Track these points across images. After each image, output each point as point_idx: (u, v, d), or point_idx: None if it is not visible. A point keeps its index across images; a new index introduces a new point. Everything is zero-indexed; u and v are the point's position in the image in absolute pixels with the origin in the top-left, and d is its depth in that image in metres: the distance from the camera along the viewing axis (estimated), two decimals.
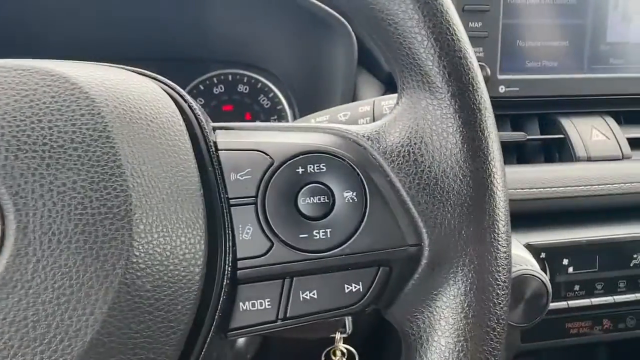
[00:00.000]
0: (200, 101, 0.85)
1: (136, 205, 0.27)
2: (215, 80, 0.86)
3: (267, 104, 0.87)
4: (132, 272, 0.26)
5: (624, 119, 0.82)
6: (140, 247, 0.26)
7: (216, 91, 0.86)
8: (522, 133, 0.73)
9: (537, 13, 0.73)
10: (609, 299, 0.68)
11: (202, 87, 0.85)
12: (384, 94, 0.77)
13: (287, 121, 0.86)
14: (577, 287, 0.67)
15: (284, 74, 0.86)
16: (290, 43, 0.82)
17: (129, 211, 0.26)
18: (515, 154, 0.76)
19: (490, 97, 0.70)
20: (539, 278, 0.55)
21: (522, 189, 0.67)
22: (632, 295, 0.68)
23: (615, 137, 0.75)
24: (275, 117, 0.87)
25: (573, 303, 0.67)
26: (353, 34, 0.74)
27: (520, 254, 0.59)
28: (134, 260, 0.26)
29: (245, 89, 0.86)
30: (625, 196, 0.70)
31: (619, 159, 0.74)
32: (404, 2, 0.32)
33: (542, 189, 0.67)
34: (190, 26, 0.80)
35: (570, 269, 0.67)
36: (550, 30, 0.74)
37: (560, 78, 0.74)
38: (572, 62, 0.75)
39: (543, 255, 0.65)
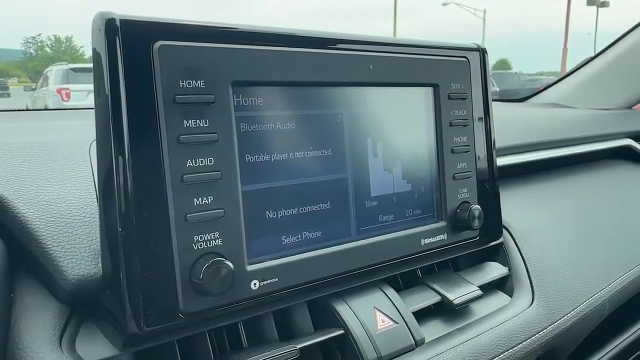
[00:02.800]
0: None
1: None
2: None
3: None
4: None
5: (402, 283, 0.66)
6: None
7: None
8: (293, 348, 0.50)
9: (286, 170, 0.53)
10: None
11: None
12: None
13: None
14: None
15: None
16: None
17: None
18: None
19: (241, 300, 0.45)
20: None
21: None
22: None
23: (403, 318, 0.58)
24: None
25: None
26: None
27: None
28: None
29: None
30: None
31: (412, 350, 0.57)
32: None
33: None
34: None
35: None
36: (306, 190, 0.54)
37: (328, 253, 0.55)
38: (338, 228, 0.57)
39: None
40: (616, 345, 0.92)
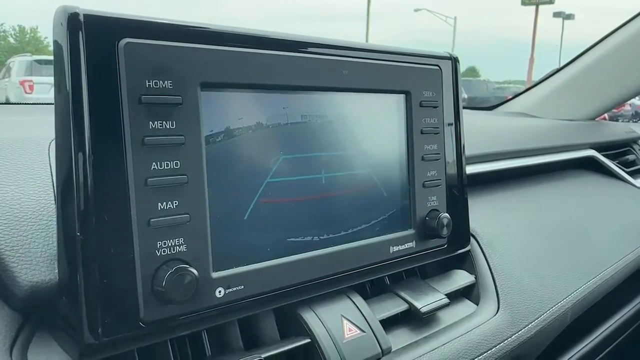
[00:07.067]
0: None
1: None
2: None
3: None
4: None
5: (370, 291, 0.66)
6: None
7: None
8: (257, 357, 0.49)
9: (254, 175, 0.52)
10: None
11: None
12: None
13: None
14: None
15: None
16: None
17: None
18: None
19: (205, 308, 0.44)
20: None
21: None
22: None
23: (370, 326, 0.58)
24: None
25: None
26: None
27: None
28: None
29: None
30: None
31: (379, 359, 0.57)
32: None
33: None
34: None
35: None
36: (274, 196, 0.53)
37: (295, 260, 0.54)
38: (306, 234, 0.56)
39: None
40: (577, 352, 0.94)
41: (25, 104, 1.37)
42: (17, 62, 9.86)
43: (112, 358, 0.44)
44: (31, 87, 8.83)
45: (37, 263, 0.44)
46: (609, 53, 1.42)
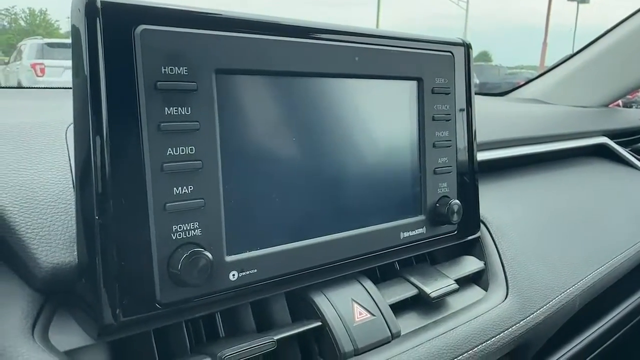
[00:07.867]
0: None
1: None
2: None
3: None
4: None
5: (380, 276, 0.67)
6: None
7: None
8: (270, 339, 0.50)
9: (267, 161, 0.52)
10: None
11: None
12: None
13: None
14: None
15: None
16: None
17: None
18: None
19: (219, 291, 0.45)
20: None
21: None
22: None
23: (380, 310, 0.59)
24: None
25: None
26: None
27: None
28: None
29: None
30: None
31: (388, 342, 0.58)
32: None
33: None
34: None
35: None
36: (288, 181, 0.54)
37: (307, 245, 0.55)
38: (318, 219, 0.56)
39: None
40: (585, 338, 0.95)
41: (39, 88, 1.37)
42: (29, 45, 9.89)
43: (128, 338, 0.45)
44: (42, 70, 8.86)
45: (56, 245, 0.45)
46: (623, 39, 1.41)
